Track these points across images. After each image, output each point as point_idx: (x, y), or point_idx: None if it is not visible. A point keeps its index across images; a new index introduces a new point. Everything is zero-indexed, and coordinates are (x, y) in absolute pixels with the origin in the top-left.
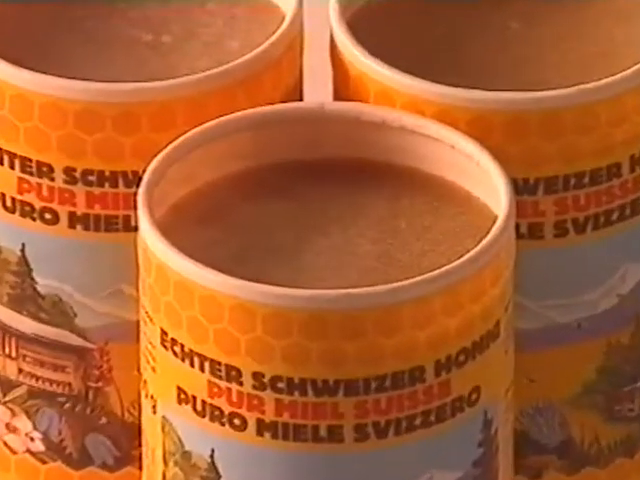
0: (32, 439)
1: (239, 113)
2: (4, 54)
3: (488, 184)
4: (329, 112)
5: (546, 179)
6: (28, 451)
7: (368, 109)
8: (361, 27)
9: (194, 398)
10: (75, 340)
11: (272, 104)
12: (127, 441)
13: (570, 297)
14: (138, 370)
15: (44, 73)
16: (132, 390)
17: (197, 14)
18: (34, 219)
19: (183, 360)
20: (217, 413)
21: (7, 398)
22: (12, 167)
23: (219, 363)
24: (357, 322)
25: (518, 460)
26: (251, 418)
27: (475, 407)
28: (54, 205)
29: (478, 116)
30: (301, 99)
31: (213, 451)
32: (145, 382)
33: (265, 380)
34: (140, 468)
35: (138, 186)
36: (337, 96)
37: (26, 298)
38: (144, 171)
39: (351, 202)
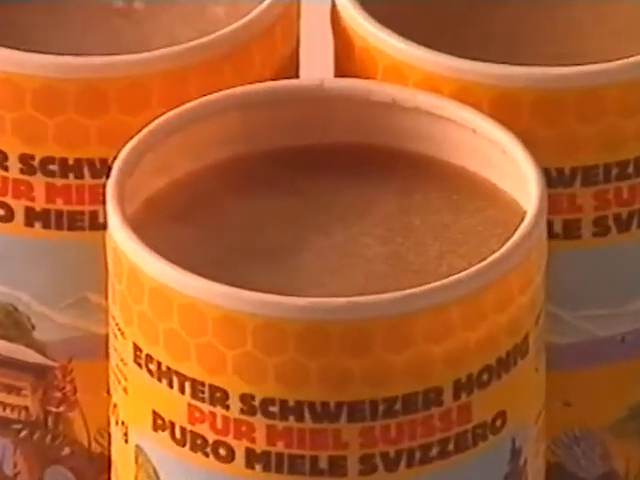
0: None
1: (225, 92)
2: None
3: (516, 175)
4: (330, 91)
5: (584, 169)
6: None
7: (376, 87)
8: None
9: (172, 424)
10: (33, 357)
11: (263, 81)
12: (94, 475)
13: (612, 307)
14: (107, 392)
15: None
16: (100, 415)
17: None
18: None
19: (160, 380)
20: (199, 442)
21: None
22: None
23: (202, 383)
24: (363, 335)
25: None
26: (239, 448)
27: (501, 435)
28: (8, 199)
29: (504, 95)
30: (297, 75)
31: None
32: (115, 406)
33: (255, 403)
34: None
35: (107, 177)
36: (339, 72)
37: None
38: (114, 159)
39: (356, 195)
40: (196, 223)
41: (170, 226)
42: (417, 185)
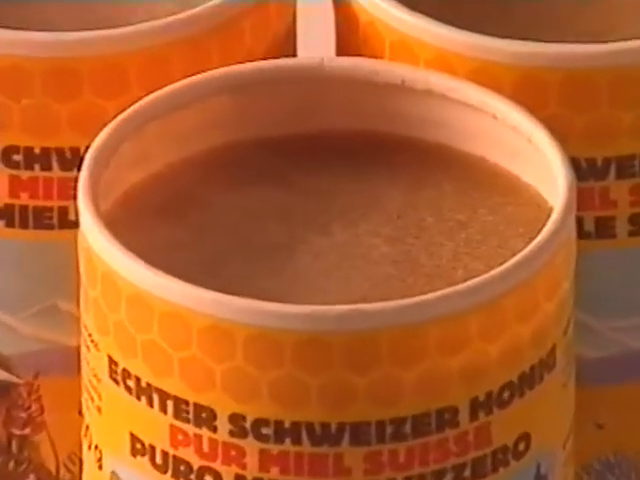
0: None
1: (212, 72)
2: None
3: (542, 166)
4: (331, 71)
5: (618, 159)
6: None
7: (383, 67)
8: None
9: (153, 448)
10: None
11: (255, 61)
12: None
13: None
14: (79, 412)
15: None
16: (70, 439)
17: None
18: None
19: (138, 398)
20: (183, 468)
21: None
22: None
23: (186, 402)
24: (368, 347)
25: None
26: (228, 474)
27: (524, 460)
28: None
29: (529, 76)
30: (294, 54)
31: None
32: (88, 428)
33: (247, 424)
34: None
35: (79, 169)
36: (341, 50)
37: None
38: (87, 149)
39: (360, 190)
40: (180, 221)
41: (150, 224)
42: (429, 178)
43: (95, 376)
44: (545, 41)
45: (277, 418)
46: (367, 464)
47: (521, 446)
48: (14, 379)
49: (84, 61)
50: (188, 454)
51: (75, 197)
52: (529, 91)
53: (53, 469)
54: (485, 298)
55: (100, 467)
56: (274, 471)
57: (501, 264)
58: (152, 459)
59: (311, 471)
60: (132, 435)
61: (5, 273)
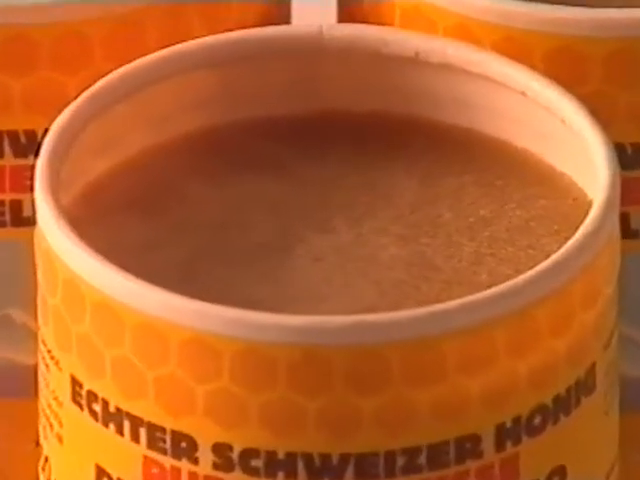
0: None
1: (192, 42)
2: None
3: (579, 152)
4: (331, 41)
5: None
6: None
7: (393, 36)
8: None
9: None
10: None
11: (243, 29)
12: None
13: None
14: (36, 442)
15: None
16: (26, 472)
17: None
18: None
19: (106, 425)
20: None
21: None
22: None
23: (162, 429)
24: (376, 365)
25: None
26: None
27: None
28: None
29: (565, 47)
30: (288, 21)
31: None
32: (47, 460)
33: (233, 455)
34: None
35: (36, 156)
36: (344, 16)
37: None
38: (45, 132)
39: (366, 180)
40: (155, 217)
41: (120, 221)
42: (447, 166)
43: (55, 399)
44: (587, 6)
45: (269, 448)
46: None
47: None
48: None
49: (40, 29)
50: None
51: (31, 189)
52: (565, 64)
53: None
54: (513, 308)
55: None
56: None
57: (532, 268)
58: None
59: None
60: (98, 468)
61: None
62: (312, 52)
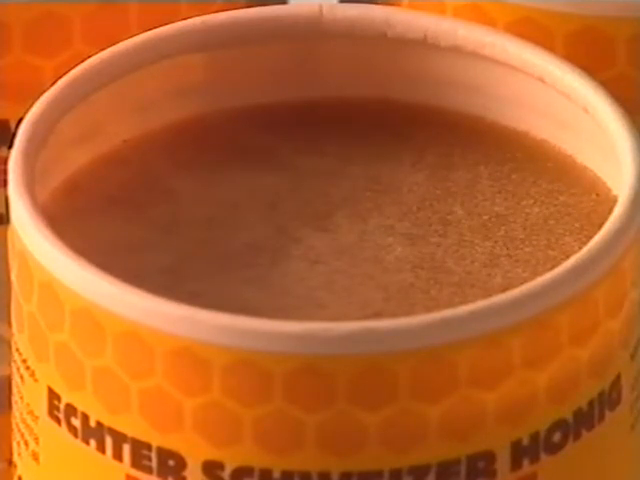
0: None
1: (179, 24)
2: None
3: (603, 144)
4: (331, 23)
5: None
6: None
7: (399, 17)
8: None
9: None
10: None
11: (233, 9)
12: None
13: None
14: (9, 460)
15: None
16: None
17: None
18: None
19: (86, 441)
20: None
21: None
22: None
23: (148, 446)
24: (381, 377)
25: None
26: None
27: None
28: None
29: (589, 28)
30: (284, 1)
31: None
32: (20, 479)
33: (224, 474)
34: None
35: (9, 147)
36: None
37: None
38: (19, 122)
39: (370, 175)
40: (139, 215)
41: (101, 219)
42: (458, 158)
43: (30, 413)
44: None
45: (264, 466)
46: None
47: None
48: None
49: (15, 10)
50: None
51: (4, 184)
52: (588, 48)
53: None
54: (530, 314)
55: None
56: None
57: (551, 270)
58: None
59: None
60: None
61: None
62: (310, 34)
